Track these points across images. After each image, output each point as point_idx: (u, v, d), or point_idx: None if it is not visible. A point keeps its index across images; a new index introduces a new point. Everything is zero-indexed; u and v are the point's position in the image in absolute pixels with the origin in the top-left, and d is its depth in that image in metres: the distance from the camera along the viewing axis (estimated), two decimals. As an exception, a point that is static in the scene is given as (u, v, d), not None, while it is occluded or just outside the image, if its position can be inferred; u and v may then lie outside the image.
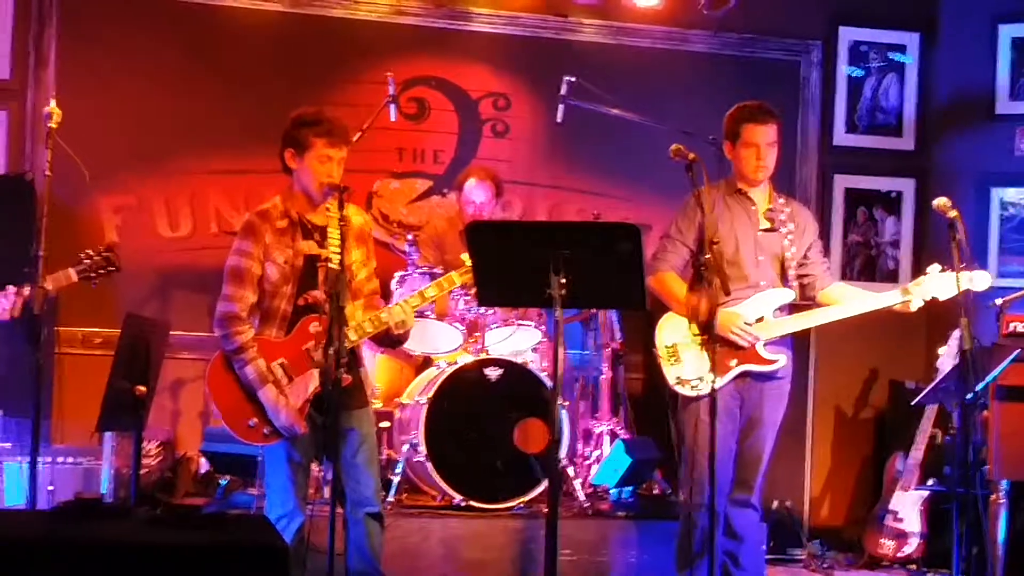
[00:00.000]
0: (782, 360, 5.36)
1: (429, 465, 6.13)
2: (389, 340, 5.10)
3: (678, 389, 5.33)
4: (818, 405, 7.17)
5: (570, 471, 6.54)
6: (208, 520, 3.86)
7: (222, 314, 4.89)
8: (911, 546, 6.74)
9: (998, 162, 7.69)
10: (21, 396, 5.62)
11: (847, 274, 7.85)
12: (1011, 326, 6.15)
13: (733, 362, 5.30)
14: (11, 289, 5.07)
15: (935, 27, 8.00)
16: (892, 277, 7.87)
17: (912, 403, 6.31)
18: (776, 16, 7.89)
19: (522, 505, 6.22)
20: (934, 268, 5.34)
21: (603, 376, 7.03)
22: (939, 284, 5.30)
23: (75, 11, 7.11)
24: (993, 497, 5.74)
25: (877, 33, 8.03)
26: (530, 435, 6.19)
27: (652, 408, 6.65)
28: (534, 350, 6.67)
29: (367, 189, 7.48)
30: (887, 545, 6.80)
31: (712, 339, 4.81)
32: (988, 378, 5.50)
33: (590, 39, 7.77)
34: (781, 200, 5.53)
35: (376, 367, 6.73)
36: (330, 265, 4.81)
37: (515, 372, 6.31)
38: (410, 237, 6.75)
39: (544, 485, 6.08)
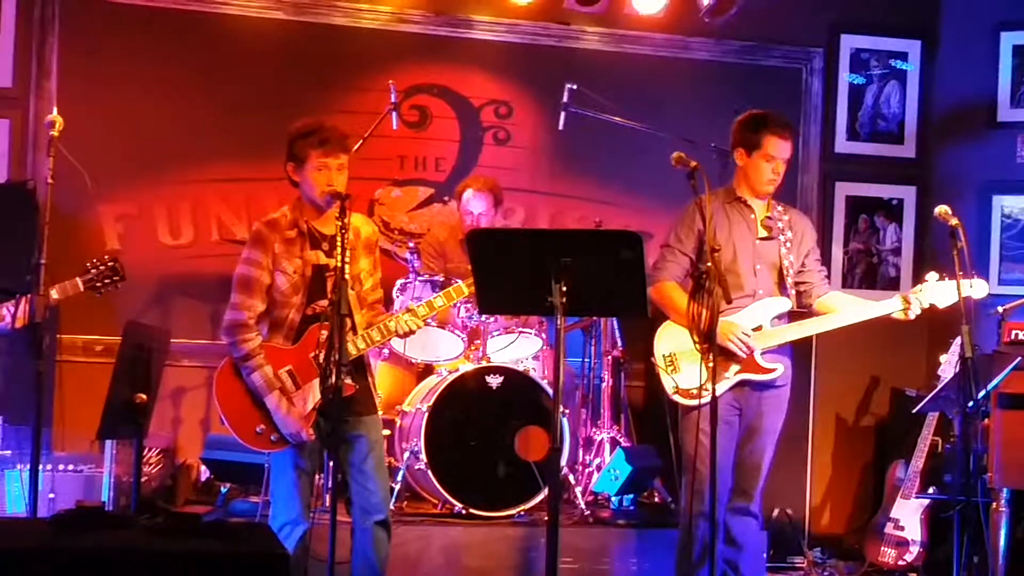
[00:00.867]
0: (780, 369, 5.35)
1: (430, 473, 6.13)
2: None
3: (677, 398, 5.33)
4: (819, 413, 7.16)
5: (571, 479, 6.55)
6: (210, 528, 3.86)
7: (230, 322, 4.92)
8: (912, 554, 6.73)
9: (999, 170, 7.69)
10: (22, 404, 5.64)
11: (848, 281, 7.86)
12: (1012, 334, 6.14)
13: (731, 371, 5.29)
14: (8, 306, 5.12)
15: (936, 35, 8.01)
16: (893, 284, 7.87)
17: (913, 411, 6.32)
18: (778, 24, 7.89)
19: (523, 513, 6.22)
20: (932, 276, 5.34)
21: (604, 384, 7.03)
22: (938, 292, 5.31)
23: (77, 20, 7.12)
24: (994, 506, 5.73)
25: (878, 40, 8.03)
26: (531, 443, 6.19)
27: (653, 416, 6.66)
28: (535, 358, 6.67)
29: (369, 197, 7.49)
30: (888, 553, 6.78)
31: (713, 348, 4.80)
32: (990, 386, 5.51)
33: (592, 47, 7.78)
34: (779, 208, 5.52)
35: (377, 374, 6.71)
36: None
37: (516, 380, 6.31)
38: (411, 245, 6.75)
39: (545, 493, 6.09)
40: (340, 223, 4.67)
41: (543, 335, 6.63)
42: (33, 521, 4.96)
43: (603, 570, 6.16)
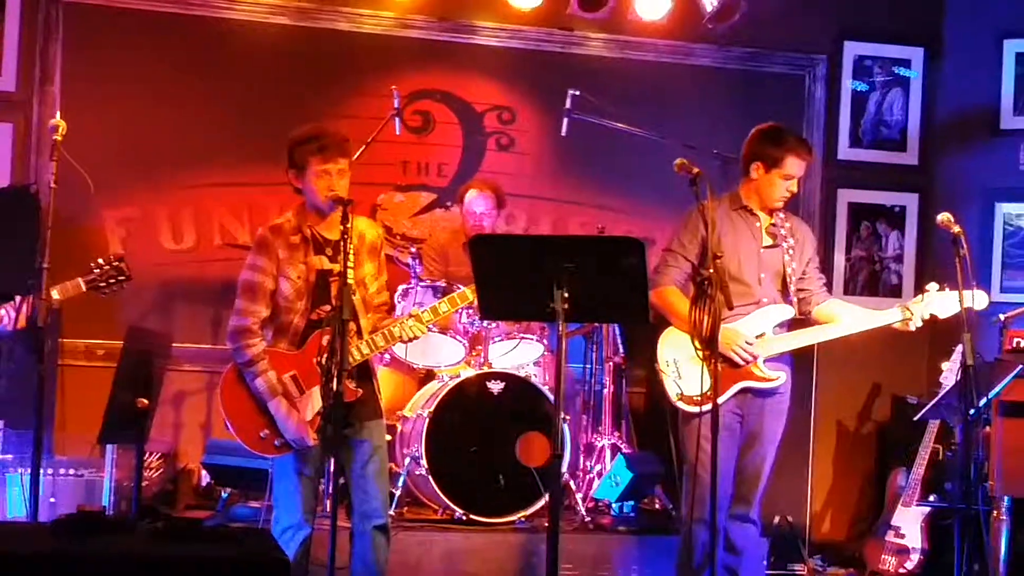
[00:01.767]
0: (782, 377, 5.35)
1: (431, 478, 6.13)
2: None
3: (680, 404, 5.32)
4: (820, 420, 7.15)
5: (572, 485, 6.54)
6: (210, 533, 3.86)
7: (234, 327, 4.93)
8: (912, 562, 6.72)
9: (1002, 177, 7.68)
10: (23, 408, 5.64)
11: (850, 288, 7.85)
12: (1014, 341, 6.15)
13: (734, 378, 5.29)
14: (9, 307, 5.11)
15: (940, 42, 8.01)
16: (895, 292, 7.87)
17: (914, 418, 6.32)
18: (781, 30, 7.89)
19: (523, 519, 6.22)
20: (932, 287, 5.34)
21: (605, 390, 7.03)
22: (938, 303, 5.31)
23: (80, 25, 7.13)
24: (995, 513, 5.73)
25: (882, 48, 8.03)
26: (532, 449, 6.19)
27: (654, 423, 6.65)
28: (536, 364, 6.67)
29: (371, 202, 7.49)
30: (888, 561, 6.77)
31: (714, 355, 4.80)
32: (991, 394, 5.50)
33: (595, 53, 7.78)
34: (781, 215, 5.52)
35: (379, 380, 6.71)
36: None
37: (517, 386, 6.31)
38: (414, 250, 6.76)
39: (545, 499, 6.08)
40: (343, 229, 4.68)
41: (545, 341, 6.63)
42: (34, 525, 4.94)
43: (604, 576, 6.17)
